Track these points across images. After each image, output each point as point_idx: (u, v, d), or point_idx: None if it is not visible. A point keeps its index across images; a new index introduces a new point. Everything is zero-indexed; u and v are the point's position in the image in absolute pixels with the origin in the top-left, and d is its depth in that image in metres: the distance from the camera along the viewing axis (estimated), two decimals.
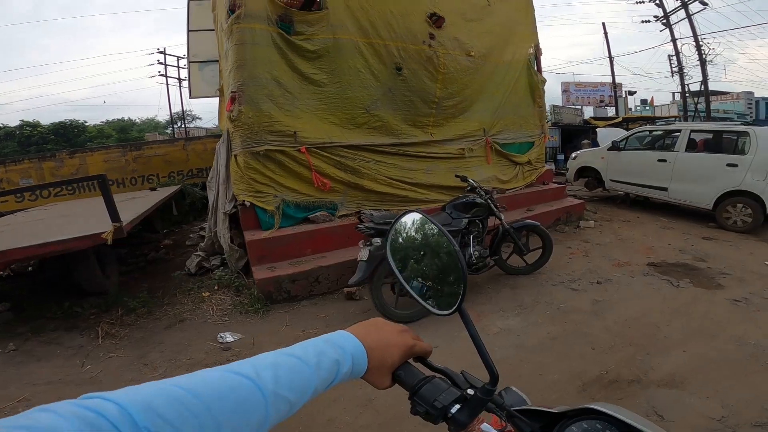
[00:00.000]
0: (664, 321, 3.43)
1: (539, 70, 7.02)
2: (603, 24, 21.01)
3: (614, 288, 4.15)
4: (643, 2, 18.53)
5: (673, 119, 16.86)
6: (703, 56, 17.35)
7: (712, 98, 32.53)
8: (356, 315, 3.78)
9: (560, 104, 18.29)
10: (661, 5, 18.23)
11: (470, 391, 0.63)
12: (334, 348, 0.58)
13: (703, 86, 17.59)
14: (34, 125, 19.06)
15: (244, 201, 4.56)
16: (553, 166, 10.13)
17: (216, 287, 4.39)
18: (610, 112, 19.80)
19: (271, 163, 4.65)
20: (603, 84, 20.94)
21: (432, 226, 0.79)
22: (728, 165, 6.03)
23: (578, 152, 8.89)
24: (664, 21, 18.14)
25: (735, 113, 23.86)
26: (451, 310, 0.70)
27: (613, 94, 20.13)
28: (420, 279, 0.79)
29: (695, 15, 17.07)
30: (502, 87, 6.41)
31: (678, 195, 6.61)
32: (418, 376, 0.64)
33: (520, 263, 4.49)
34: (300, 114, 4.80)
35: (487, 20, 6.10)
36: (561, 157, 14.35)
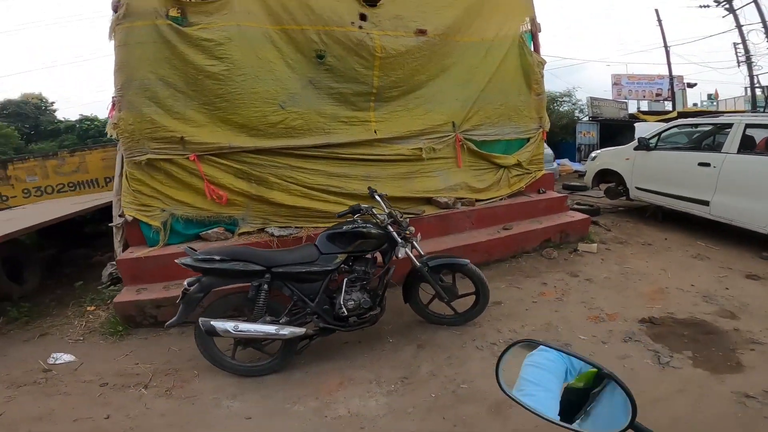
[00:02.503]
0: None
1: (537, 49, 5.53)
2: (656, 11, 17.56)
3: None
4: None
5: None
6: None
7: None
8: None
9: (610, 98, 15.70)
10: None
11: None
12: None
13: None
14: (92, 119, 20.54)
15: (127, 215, 4.00)
16: (583, 167, 8.34)
17: (108, 302, 3.91)
18: (669, 106, 16.68)
19: (158, 173, 4.03)
20: (661, 76, 17.83)
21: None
22: None
23: (598, 152, 7.05)
24: (727, 6, 14.70)
25: None
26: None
27: (670, 86, 16.89)
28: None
29: None
30: (481, 71, 5.08)
31: (723, 211, 4.82)
32: None
33: (447, 310, 3.31)
34: (193, 116, 4.06)
35: None
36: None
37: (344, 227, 2.84)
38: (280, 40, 4.21)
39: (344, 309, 2.71)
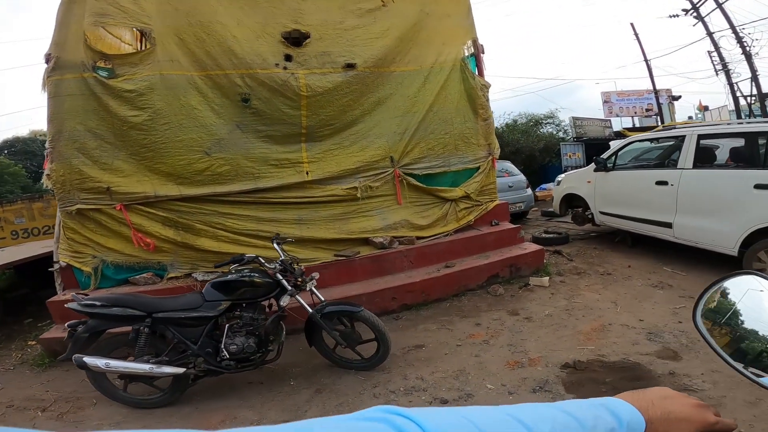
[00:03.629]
0: None
1: (480, 72, 5.39)
2: (632, 24, 17.19)
3: None
4: None
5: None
6: (747, 48, 13.21)
7: None
8: None
9: (602, 116, 15.25)
10: None
11: None
12: (610, 415, 0.49)
13: (753, 83, 13.34)
14: None
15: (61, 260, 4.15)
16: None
17: None
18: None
19: (89, 222, 4.16)
20: (649, 91, 17.33)
21: None
22: (757, 187, 3.82)
23: (563, 175, 6.67)
24: (695, 15, 14.22)
25: None
26: None
27: (656, 100, 16.24)
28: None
29: (726, 2, 13.31)
30: (420, 100, 4.94)
31: (686, 233, 4.41)
32: None
33: (354, 354, 3.16)
34: (121, 166, 4.16)
35: (380, 23, 4.78)
36: None
37: (229, 276, 2.87)
38: (204, 86, 4.29)
39: (226, 353, 2.75)
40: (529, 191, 8.14)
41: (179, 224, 4.22)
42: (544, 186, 10.97)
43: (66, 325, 2.75)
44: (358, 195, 4.60)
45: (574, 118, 14.25)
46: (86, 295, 2.87)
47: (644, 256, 5.12)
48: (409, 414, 0.39)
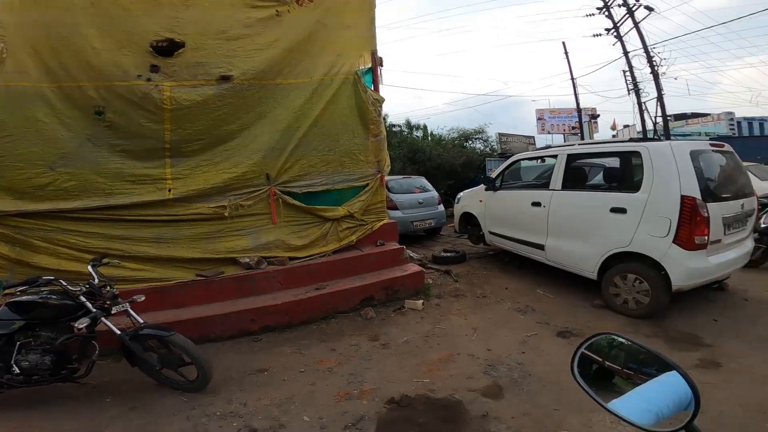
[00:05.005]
0: None
1: (376, 86, 5.26)
2: (563, 43, 17.91)
3: None
4: (593, 15, 15.66)
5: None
6: (655, 68, 14.01)
7: (693, 121, 28.50)
8: None
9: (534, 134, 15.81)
10: (610, 16, 15.23)
11: None
12: None
13: (658, 103, 14.12)
14: None
15: None
16: None
17: None
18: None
19: None
20: (577, 110, 17.98)
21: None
22: (613, 210, 3.86)
23: (462, 193, 6.67)
24: (615, 34, 15.11)
25: (717, 135, 19.42)
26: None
27: (578, 118, 17.02)
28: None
29: (643, 23, 14.26)
30: (304, 114, 4.76)
31: (556, 256, 4.43)
32: None
33: (179, 376, 3.05)
34: None
35: (269, 33, 4.59)
36: None
37: (24, 297, 2.88)
38: (54, 98, 4.02)
39: (16, 368, 2.76)
40: (441, 208, 8.14)
41: (15, 240, 3.88)
42: None
43: None
44: (227, 213, 4.36)
45: (500, 134, 14.57)
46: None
47: (524, 278, 5.12)
48: None
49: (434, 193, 8.29)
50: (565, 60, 16.57)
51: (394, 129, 15.44)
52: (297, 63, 4.77)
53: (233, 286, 4.16)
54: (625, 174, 4.01)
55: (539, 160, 5.37)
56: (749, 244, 4.08)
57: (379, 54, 5.36)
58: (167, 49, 4.28)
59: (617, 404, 0.84)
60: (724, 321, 3.73)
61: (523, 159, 5.59)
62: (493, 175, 5.49)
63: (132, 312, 3.01)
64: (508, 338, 3.65)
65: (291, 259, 4.55)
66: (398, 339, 3.78)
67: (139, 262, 4.09)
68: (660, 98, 13.85)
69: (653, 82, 14.11)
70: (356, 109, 5.07)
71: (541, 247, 4.57)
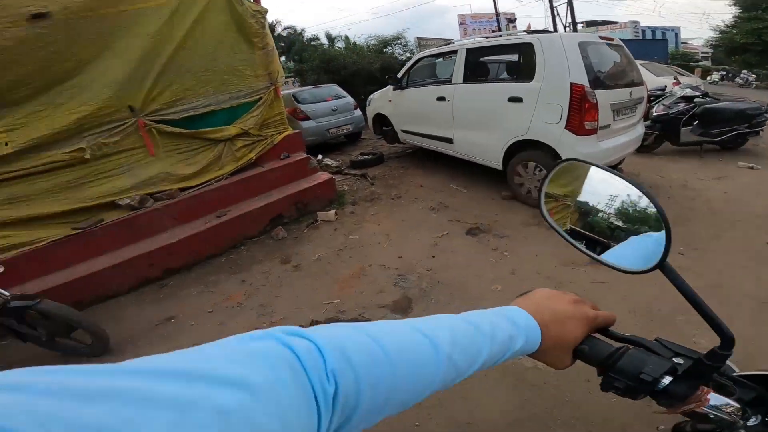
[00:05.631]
0: None
1: None
2: None
3: None
4: None
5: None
6: None
7: (603, 28, 29.70)
8: None
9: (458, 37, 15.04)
10: None
11: (678, 360, 0.53)
12: (508, 322, 0.51)
13: (569, 8, 13.95)
14: None
15: None
16: None
17: None
18: None
19: None
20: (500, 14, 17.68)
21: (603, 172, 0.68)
22: (510, 100, 3.72)
23: (372, 95, 6.29)
24: None
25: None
26: (652, 265, 0.56)
27: (497, 22, 16.61)
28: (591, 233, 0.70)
29: None
30: (164, 38, 3.92)
31: (464, 148, 4.38)
32: (608, 349, 0.55)
33: (86, 339, 2.77)
34: None
35: None
36: None
37: None
38: None
39: None
40: (358, 112, 7.79)
41: None
42: None
43: None
44: (87, 156, 3.68)
45: (419, 38, 13.65)
46: None
47: (438, 173, 5.10)
48: (304, 332, 0.37)
49: (349, 99, 7.89)
50: None
51: (313, 43, 13.86)
52: None
53: (119, 232, 3.70)
54: (520, 65, 3.86)
55: (444, 57, 4.99)
56: (639, 130, 4.21)
57: None
58: None
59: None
60: None
61: (426, 56, 5.23)
62: (399, 74, 5.08)
63: None
64: (420, 242, 3.68)
65: (183, 190, 4.09)
66: (310, 257, 3.69)
67: None
68: (570, 3, 13.36)
69: None
70: (233, 24, 4.33)
71: (449, 140, 4.46)
